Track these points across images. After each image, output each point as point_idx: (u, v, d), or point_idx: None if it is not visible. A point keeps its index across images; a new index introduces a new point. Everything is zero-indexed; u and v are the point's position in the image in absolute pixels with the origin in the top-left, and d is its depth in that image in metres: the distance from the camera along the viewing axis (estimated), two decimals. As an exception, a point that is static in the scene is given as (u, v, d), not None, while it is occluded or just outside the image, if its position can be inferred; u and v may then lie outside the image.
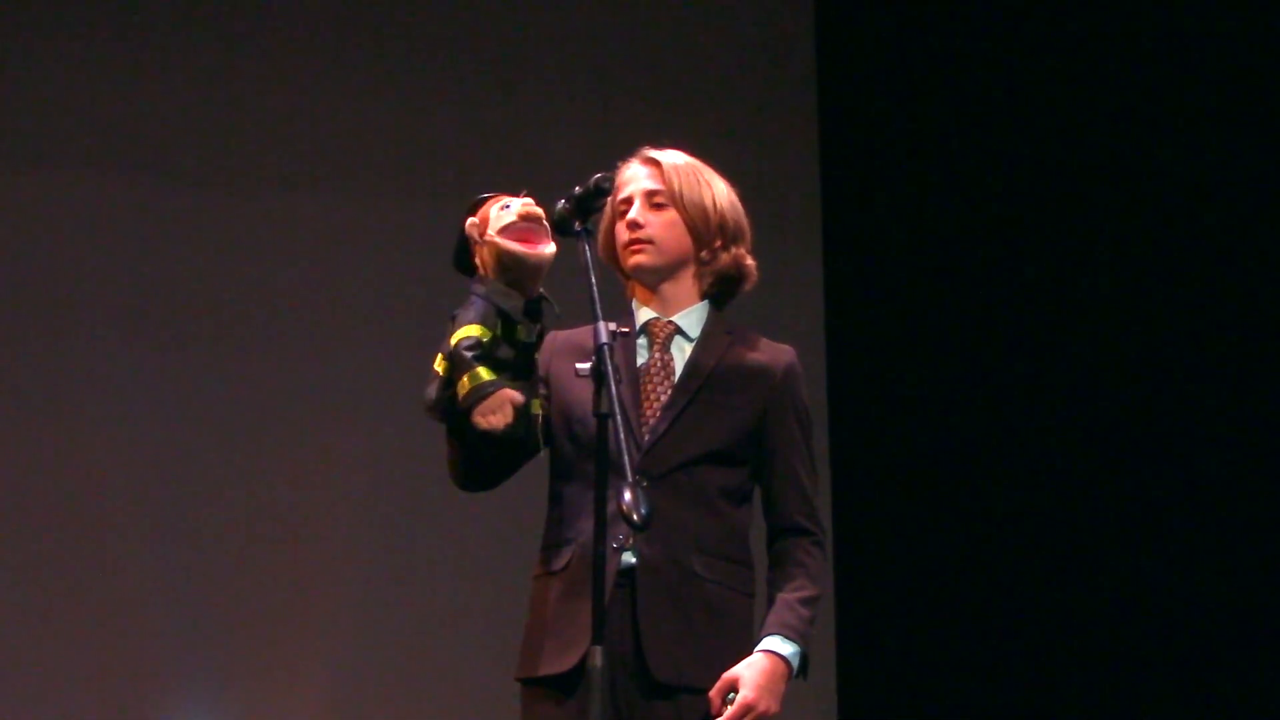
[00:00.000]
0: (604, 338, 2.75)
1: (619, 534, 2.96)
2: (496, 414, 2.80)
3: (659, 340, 3.13)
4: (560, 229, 2.88)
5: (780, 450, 3.11)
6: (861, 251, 5.82)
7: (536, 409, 2.91)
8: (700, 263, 3.16)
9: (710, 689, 2.97)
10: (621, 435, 2.70)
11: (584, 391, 2.92)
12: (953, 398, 5.61)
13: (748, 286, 3.21)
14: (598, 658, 2.73)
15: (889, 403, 5.68)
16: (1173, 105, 5.34)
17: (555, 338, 3.09)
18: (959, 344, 5.64)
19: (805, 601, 3.05)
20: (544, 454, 3.07)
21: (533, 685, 3.03)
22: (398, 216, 5.41)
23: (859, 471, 5.63)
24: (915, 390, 5.67)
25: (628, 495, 2.64)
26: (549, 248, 2.89)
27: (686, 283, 3.16)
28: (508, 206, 2.88)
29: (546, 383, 3.07)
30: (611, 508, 2.80)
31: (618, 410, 2.71)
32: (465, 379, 2.81)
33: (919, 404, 5.66)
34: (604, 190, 2.88)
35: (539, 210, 2.89)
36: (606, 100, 5.66)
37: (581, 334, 3.06)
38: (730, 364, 3.12)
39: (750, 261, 3.19)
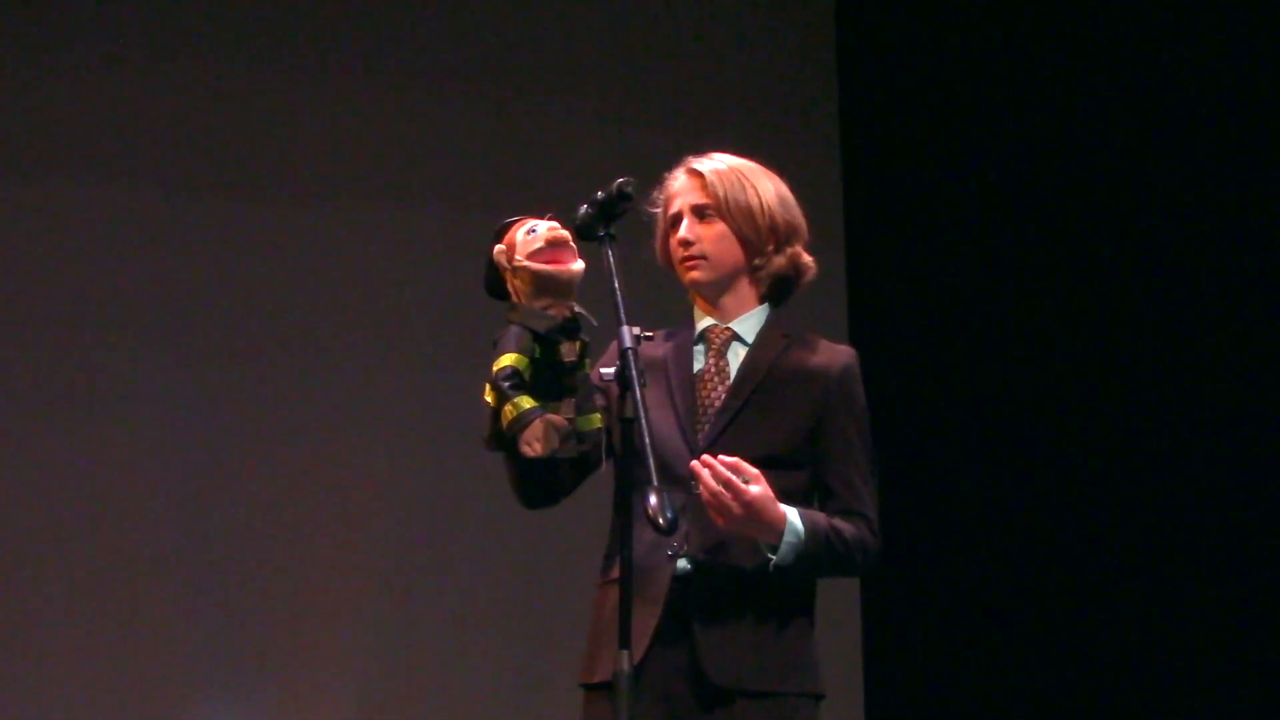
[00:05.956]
0: (628, 342, 2.76)
1: (673, 541, 2.98)
2: (540, 441, 2.83)
3: (715, 346, 3.15)
4: (583, 234, 2.90)
5: (836, 452, 3.10)
6: (884, 255, 5.81)
7: (596, 423, 2.92)
8: (754, 269, 3.17)
9: (768, 690, 2.97)
10: (647, 439, 2.69)
11: (650, 400, 2.95)
12: (978, 400, 5.61)
13: (806, 282, 3.22)
14: (624, 662, 2.73)
15: (913, 406, 5.66)
16: (1198, 98, 5.33)
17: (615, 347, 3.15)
18: (984, 345, 5.63)
19: (837, 531, 3.02)
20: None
21: (591, 690, 3.06)
22: (417, 226, 5.41)
23: (884, 476, 5.60)
24: (939, 394, 5.66)
25: (653, 499, 2.65)
26: (577, 264, 2.90)
27: (744, 290, 3.18)
28: (533, 231, 2.90)
29: (607, 393, 3.07)
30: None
31: (642, 415, 2.72)
32: (508, 409, 2.85)
33: (943, 408, 5.65)
34: (626, 195, 2.88)
35: (565, 233, 2.90)
36: (626, 106, 5.67)
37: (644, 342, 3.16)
38: (785, 366, 3.12)
39: (807, 258, 3.20)
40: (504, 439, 2.88)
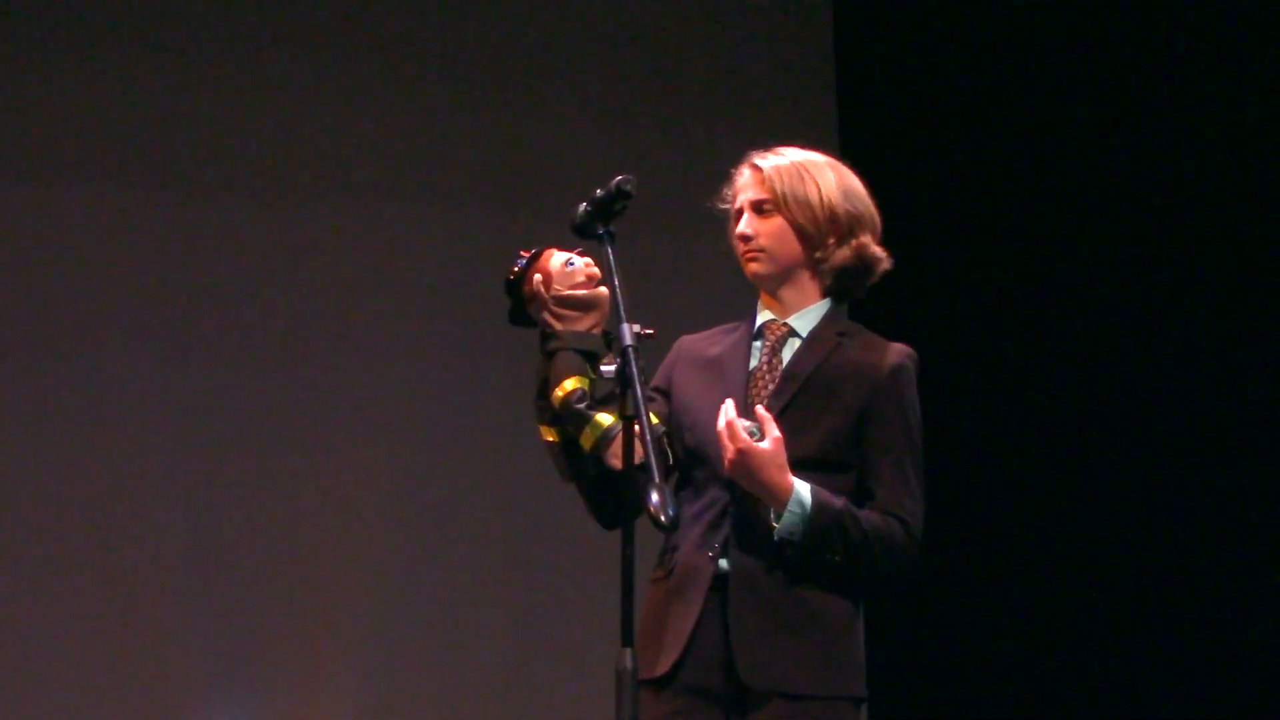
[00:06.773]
0: (629, 340, 2.75)
1: (716, 542, 3.01)
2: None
3: (770, 342, 3.14)
4: (582, 232, 2.90)
5: (877, 453, 3.06)
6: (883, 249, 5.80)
7: (659, 429, 2.96)
8: (816, 262, 3.15)
9: (803, 693, 2.97)
10: (648, 436, 2.69)
11: (703, 398, 3.04)
12: (977, 397, 5.59)
13: (877, 274, 3.18)
14: (627, 660, 2.72)
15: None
16: (1198, 103, 5.33)
17: (683, 343, 3.19)
18: (983, 340, 5.61)
19: (854, 517, 2.98)
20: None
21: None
22: (418, 226, 5.40)
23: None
24: (941, 390, 5.64)
25: (655, 496, 2.63)
26: (604, 288, 2.99)
27: (805, 283, 3.16)
28: (571, 264, 3.00)
29: (667, 391, 3.13)
30: (708, 516, 2.95)
31: (643, 412, 2.70)
32: (587, 430, 2.92)
33: (943, 405, 5.63)
34: (625, 193, 2.87)
35: (599, 271, 2.99)
36: (624, 105, 5.64)
37: (707, 338, 3.18)
38: (833, 366, 3.09)
39: (875, 250, 3.16)
40: (581, 468, 2.93)
